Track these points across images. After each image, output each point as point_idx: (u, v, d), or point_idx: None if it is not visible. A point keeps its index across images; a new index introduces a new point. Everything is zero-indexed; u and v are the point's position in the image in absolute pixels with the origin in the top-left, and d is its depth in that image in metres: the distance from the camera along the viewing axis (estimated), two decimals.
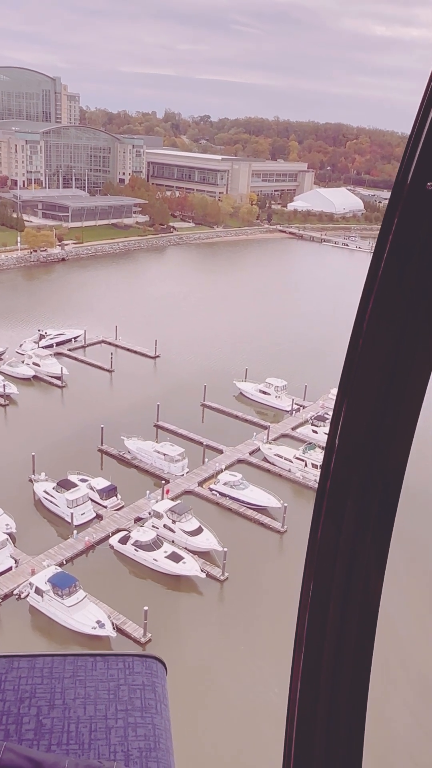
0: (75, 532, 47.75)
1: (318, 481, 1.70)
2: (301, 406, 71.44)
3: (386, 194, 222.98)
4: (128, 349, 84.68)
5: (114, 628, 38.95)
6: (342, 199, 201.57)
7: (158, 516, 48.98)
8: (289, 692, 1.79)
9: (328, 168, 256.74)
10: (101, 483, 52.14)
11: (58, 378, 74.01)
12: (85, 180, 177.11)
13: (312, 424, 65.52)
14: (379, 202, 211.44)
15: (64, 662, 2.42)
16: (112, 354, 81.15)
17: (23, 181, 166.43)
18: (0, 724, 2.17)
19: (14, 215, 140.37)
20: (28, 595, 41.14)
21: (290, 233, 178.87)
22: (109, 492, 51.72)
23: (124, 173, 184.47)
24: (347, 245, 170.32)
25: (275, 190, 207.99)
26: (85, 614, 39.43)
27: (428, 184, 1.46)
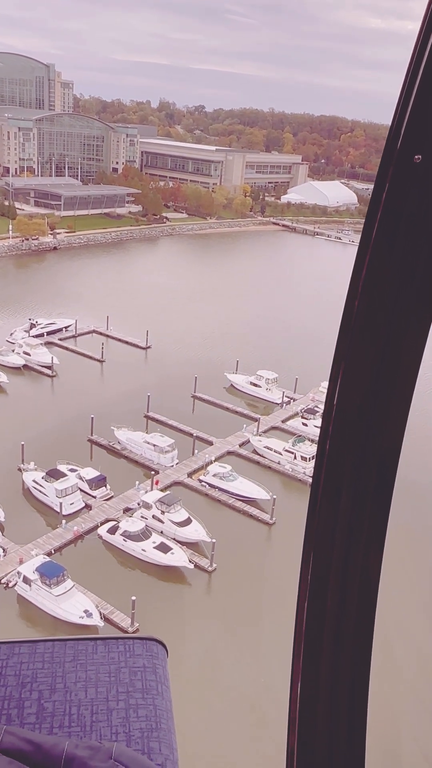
0: (64, 521, 47.75)
1: (314, 463, 1.72)
2: (291, 398, 71.61)
3: None
4: (119, 340, 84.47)
5: (101, 618, 39.07)
6: (336, 193, 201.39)
7: (147, 507, 49.06)
8: (291, 675, 1.80)
9: (323, 161, 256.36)
10: (90, 473, 52.12)
11: (49, 367, 73.77)
12: (78, 168, 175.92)
13: (302, 417, 65.73)
14: None
15: (64, 647, 2.44)
16: (103, 344, 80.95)
17: (15, 169, 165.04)
18: (2, 708, 2.19)
19: (6, 203, 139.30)
20: (15, 584, 41.16)
21: (283, 226, 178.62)
22: (99, 482, 51.72)
23: (117, 162, 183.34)
24: (340, 239, 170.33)
25: (269, 182, 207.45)
26: (72, 603, 39.51)
27: (416, 156, 1.46)
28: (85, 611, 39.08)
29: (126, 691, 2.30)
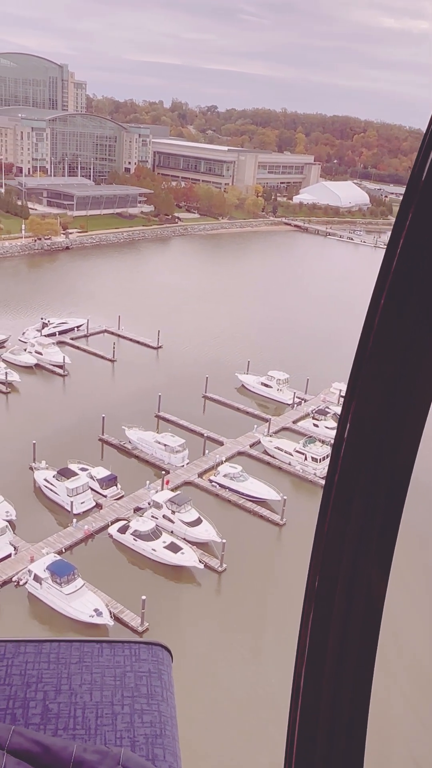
0: (74, 520, 47.91)
1: (326, 472, 1.71)
2: (302, 399, 71.45)
3: (393, 188, 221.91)
4: (131, 339, 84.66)
5: (111, 617, 39.16)
6: (348, 193, 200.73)
7: (158, 506, 49.12)
8: (292, 683, 1.80)
9: (335, 161, 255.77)
10: (101, 472, 52.27)
11: (60, 367, 74.07)
12: (90, 168, 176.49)
13: (313, 418, 65.57)
14: (386, 196, 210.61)
15: (70, 648, 2.44)
16: (114, 344, 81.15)
17: (28, 169, 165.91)
18: (7, 708, 2.20)
19: (19, 203, 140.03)
20: (26, 582, 41.34)
21: (295, 226, 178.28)
22: (109, 481, 51.85)
23: (129, 162, 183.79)
24: (352, 239, 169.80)
25: (281, 183, 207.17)
26: (83, 602, 39.63)
27: None
28: (95, 610, 39.18)
29: (131, 696, 2.29)
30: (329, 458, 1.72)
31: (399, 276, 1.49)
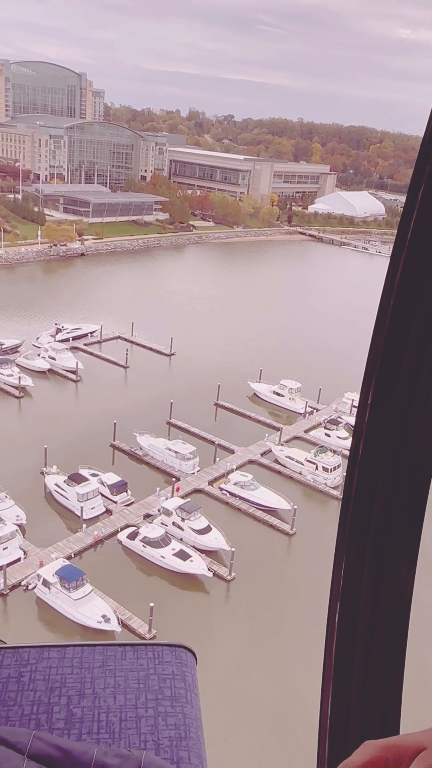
0: (84, 526, 47.97)
1: (341, 481, 1.71)
2: (314, 408, 71.24)
3: None
4: (144, 346, 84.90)
5: (119, 623, 39.10)
6: (363, 203, 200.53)
7: (167, 513, 49.08)
8: (321, 688, 1.78)
9: (351, 171, 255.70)
10: (112, 478, 52.33)
11: (73, 372, 74.37)
12: (107, 176, 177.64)
13: (325, 428, 65.33)
14: (401, 206, 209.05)
15: (93, 652, 2.44)
16: (127, 350, 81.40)
17: (46, 176, 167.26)
18: (31, 713, 2.19)
19: (36, 209, 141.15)
20: (35, 587, 41.41)
21: (310, 235, 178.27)
22: (120, 487, 51.89)
23: (146, 170, 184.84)
24: (367, 249, 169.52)
25: (296, 192, 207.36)
26: (91, 608, 39.61)
27: None
28: (103, 616, 39.14)
29: (155, 699, 2.28)
30: (346, 469, 1.72)
31: (406, 282, 1.49)
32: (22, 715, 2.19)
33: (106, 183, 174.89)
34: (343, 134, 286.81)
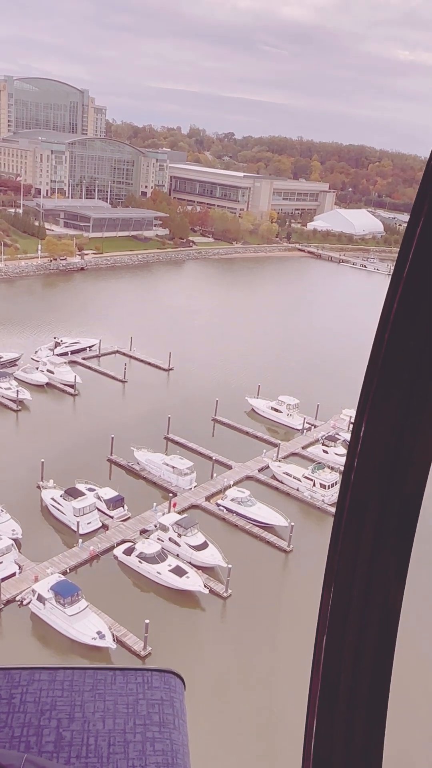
0: (80, 541, 47.71)
1: (336, 498, 1.71)
2: (312, 425, 71.20)
3: (407, 217, 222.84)
4: (142, 361, 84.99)
5: (114, 640, 38.75)
6: (362, 221, 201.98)
7: (164, 529, 48.85)
8: (306, 712, 1.77)
9: (350, 189, 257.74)
10: (109, 493, 52.14)
11: (71, 386, 74.37)
12: (107, 191, 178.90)
13: (323, 444, 65.24)
14: (399, 224, 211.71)
15: (84, 675, 2.45)
16: (125, 365, 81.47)
17: (47, 190, 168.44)
18: (21, 735, 2.20)
19: (36, 223, 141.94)
20: (30, 602, 41.07)
21: (309, 252, 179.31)
22: (116, 502, 51.69)
23: (146, 186, 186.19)
24: (365, 266, 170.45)
25: (296, 209, 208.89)
26: (86, 624, 39.28)
27: None
28: (98, 632, 38.81)
29: (143, 724, 2.29)
30: (340, 485, 1.72)
31: (406, 300, 1.49)
32: (12, 737, 2.19)
33: (106, 198, 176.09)
34: (342, 153, 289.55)
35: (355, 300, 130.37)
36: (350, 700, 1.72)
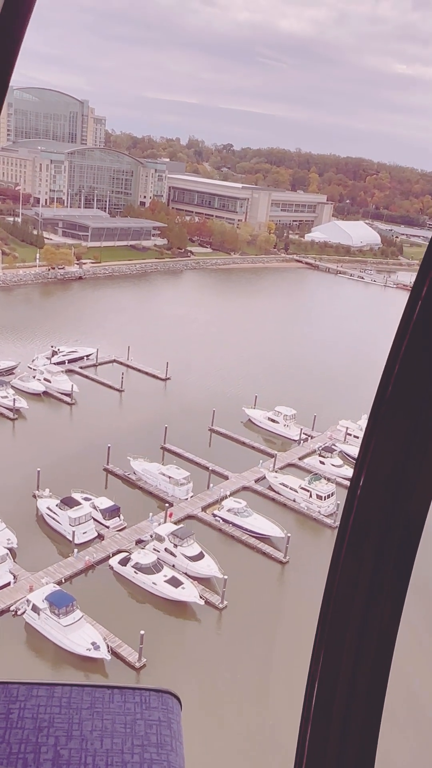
0: (76, 550, 47.48)
1: (341, 516, 1.70)
2: (309, 435, 71.11)
3: (404, 230, 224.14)
4: (139, 370, 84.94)
5: (109, 651, 38.49)
6: (359, 233, 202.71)
7: (160, 539, 48.65)
8: (300, 725, 1.76)
9: (347, 201, 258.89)
10: (105, 503, 51.94)
11: (68, 395, 74.24)
12: (106, 201, 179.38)
13: (319, 455, 65.13)
14: (396, 237, 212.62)
15: (82, 693, 2.43)
16: (123, 374, 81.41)
17: (45, 200, 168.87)
18: (19, 752, 2.18)
19: (35, 232, 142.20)
20: (24, 612, 40.80)
21: (306, 263, 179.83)
22: (112, 512, 51.48)
23: (145, 196, 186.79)
24: (362, 278, 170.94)
25: (294, 220, 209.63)
26: (80, 635, 39.01)
27: None
28: (93, 644, 38.53)
29: (141, 744, 2.27)
30: (345, 500, 1.70)
31: (421, 322, 1.48)
32: (9, 753, 2.17)
33: (105, 208, 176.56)
34: (340, 165, 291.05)
35: (353, 311, 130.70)
36: (344, 719, 1.70)
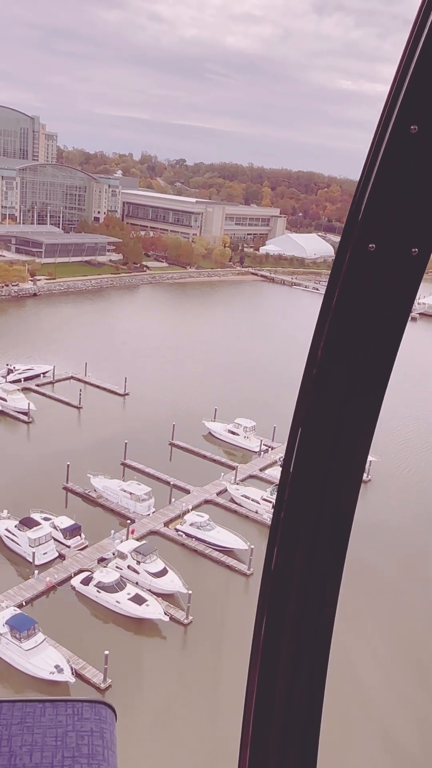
0: (36, 572, 46.56)
1: (272, 512, 1.73)
2: (269, 447, 71.49)
3: None
4: (97, 386, 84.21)
5: (73, 673, 37.76)
6: (313, 245, 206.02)
7: (122, 556, 48.10)
8: (242, 728, 1.75)
9: (300, 214, 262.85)
10: (65, 522, 51.15)
11: (25, 413, 73.06)
12: (60, 217, 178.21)
13: (280, 465, 65.37)
14: None
15: (12, 708, 2.39)
16: (81, 390, 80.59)
17: None
18: None
19: None
20: None
21: (262, 276, 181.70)
22: (73, 531, 50.71)
23: (99, 212, 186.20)
24: (317, 289, 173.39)
25: (248, 234, 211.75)
26: (43, 658, 38.19)
27: (412, 127, 1.45)
28: (56, 666, 37.76)
29: (72, 756, 2.25)
30: (275, 497, 1.73)
31: (337, 320, 1.53)
32: None
33: (58, 224, 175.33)
34: (291, 179, 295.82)
35: (308, 322, 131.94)
36: (285, 709, 1.72)
